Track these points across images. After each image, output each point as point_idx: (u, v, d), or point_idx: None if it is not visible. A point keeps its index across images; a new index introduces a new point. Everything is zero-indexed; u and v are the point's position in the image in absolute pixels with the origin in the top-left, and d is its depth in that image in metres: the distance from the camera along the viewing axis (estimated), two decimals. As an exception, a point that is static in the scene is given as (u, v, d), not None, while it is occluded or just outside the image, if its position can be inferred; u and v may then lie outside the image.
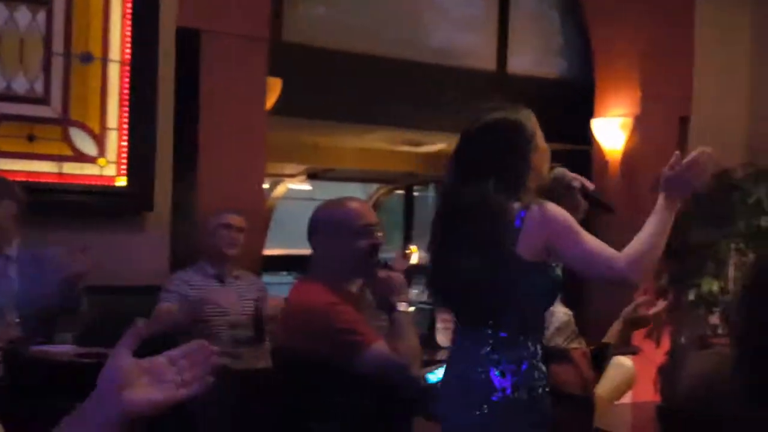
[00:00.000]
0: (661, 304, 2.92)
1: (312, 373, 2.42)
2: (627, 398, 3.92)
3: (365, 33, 5.52)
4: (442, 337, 3.65)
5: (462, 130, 2.25)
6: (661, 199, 2.19)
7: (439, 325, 3.71)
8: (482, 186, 2.07)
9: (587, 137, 6.03)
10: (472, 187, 2.09)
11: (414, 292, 4.96)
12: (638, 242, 2.10)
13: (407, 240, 8.48)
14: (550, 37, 6.32)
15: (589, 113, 6.03)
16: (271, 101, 4.72)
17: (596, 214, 2.40)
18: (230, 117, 4.44)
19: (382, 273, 2.51)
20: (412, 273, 6.46)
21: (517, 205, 2.07)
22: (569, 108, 6.17)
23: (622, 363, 3.25)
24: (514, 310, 2.11)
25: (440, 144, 6.59)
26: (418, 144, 6.53)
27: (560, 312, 2.96)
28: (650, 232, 2.14)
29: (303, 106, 5.17)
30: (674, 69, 5.94)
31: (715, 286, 5.17)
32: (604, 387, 3.04)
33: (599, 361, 3.06)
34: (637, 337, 5.72)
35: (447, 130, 6.03)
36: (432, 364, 2.88)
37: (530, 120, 2.23)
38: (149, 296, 3.67)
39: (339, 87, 5.32)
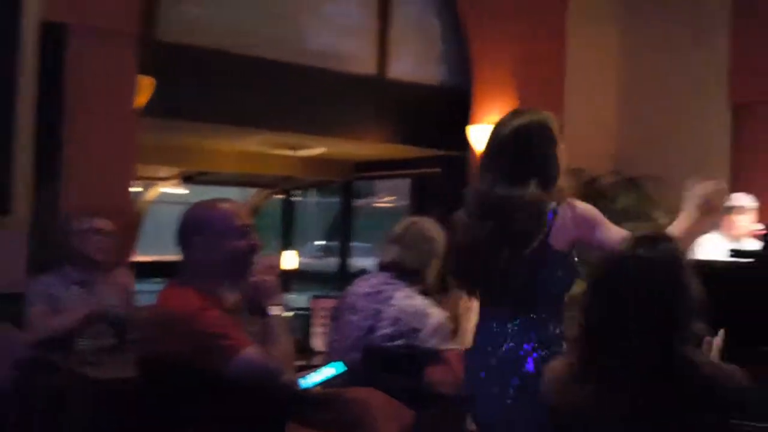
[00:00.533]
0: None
1: (180, 381, 2.31)
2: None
3: (244, 34, 5.41)
4: (318, 342, 3.58)
5: (493, 132, 2.38)
6: (690, 216, 2.36)
7: (315, 330, 3.65)
8: (520, 187, 2.24)
9: (464, 143, 6.13)
10: (509, 188, 2.25)
11: (291, 297, 4.89)
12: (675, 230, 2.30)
13: (286, 245, 8.39)
14: (430, 44, 6.39)
15: (467, 120, 6.13)
16: (143, 100, 4.54)
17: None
18: (97, 115, 4.24)
19: (254, 276, 2.43)
20: (290, 278, 6.38)
21: (551, 204, 2.25)
22: (447, 114, 6.25)
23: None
24: (543, 294, 2.29)
25: (320, 148, 6.54)
26: (297, 147, 6.46)
27: (435, 314, 2.97)
28: (674, 230, 2.30)
29: (177, 107, 5.01)
30: (547, 80, 6.12)
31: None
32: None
33: None
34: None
35: (327, 134, 5.99)
36: (308, 369, 2.82)
37: (554, 121, 2.38)
38: (4, 305, 3.44)
39: (216, 88, 5.18)
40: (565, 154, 2.34)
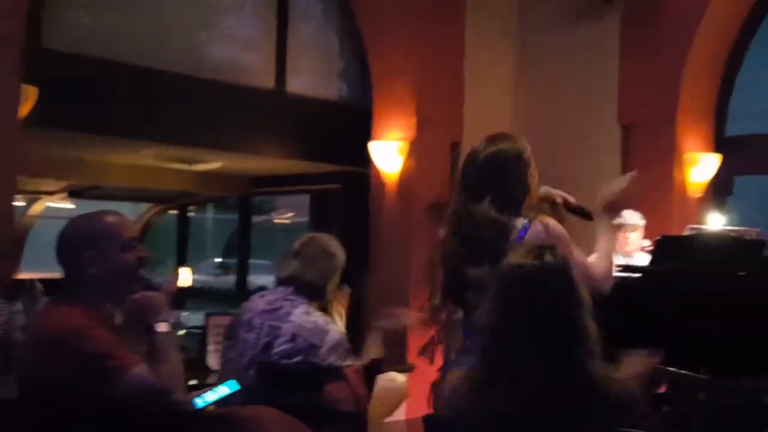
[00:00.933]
0: (413, 315, 3.01)
1: (65, 403, 2.18)
2: (401, 414, 3.94)
3: (137, 44, 5.24)
4: (213, 360, 3.47)
5: (468, 157, 2.55)
6: (605, 221, 2.53)
7: (210, 348, 3.53)
8: (488, 207, 2.41)
9: (366, 159, 6.11)
10: (479, 208, 2.41)
11: (186, 315, 4.74)
12: (603, 260, 2.45)
13: (180, 262, 8.16)
14: (330, 60, 6.36)
15: (368, 136, 6.12)
16: (26, 110, 4.32)
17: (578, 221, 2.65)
18: (-23, 124, 4.01)
19: (138, 293, 2.32)
20: (185, 295, 6.18)
21: (520, 221, 2.40)
22: (348, 130, 6.23)
23: (393, 378, 3.27)
24: None
25: (216, 162, 6.40)
26: (192, 162, 6.29)
27: (334, 331, 2.92)
28: (607, 250, 2.47)
29: (64, 118, 4.79)
30: (447, 96, 6.19)
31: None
32: (376, 403, 3.04)
33: (372, 377, 3.07)
34: (412, 354, 5.85)
35: (224, 148, 5.86)
36: (202, 388, 2.71)
37: (527, 148, 2.52)
38: None
39: (106, 99, 4.99)
40: (535, 178, 2.50)
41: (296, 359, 2.89)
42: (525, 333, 1.66)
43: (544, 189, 2.65)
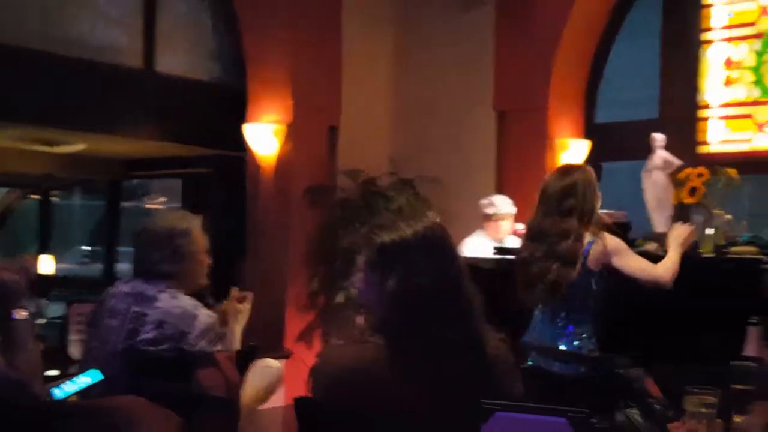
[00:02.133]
0: (249, 296, 3.06)
1: None
2: (279, 401, 3.84)
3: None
4: (75, 350, 3.27)
5: (545, 183, 3.22)
6: (676, 252, 3.20)
7: (72, 337, 3.32)
8: (566, 221, 3.12)
9: (241, 143, 5.96)
10: (558, 221, 3.13)
11: (48, 304, 4.46)
12: (668, 263, 3.16)
13: (43, 250, 7.72)
14: (203, 40, 6.16)
15: (243, 119, 5.96)
16: None
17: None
18: None
19: None
20: (49, 284, 5.83)
21: (587, 235, 3.11)
22: (222, 113, 6.05)
23: (268, 364, 3.17)
24: (581, 300, 3.12)
25: (80, 144, 6.07)
26: (54, 143, 5.93)
27: (204, 315, 2.80)
28: (674, 260, 3.16)
29: None
30: (325, 80, 6.10)
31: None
32: (249, 389, 2.95)
33: (247, 363, 2.98)
34: (290, 340, 5.77)
35: (88, 129, 5.57)
36: (62, 378, 2.54)
37: (593, 175, 3.19)
38: None
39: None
40: (599, 202, 3.17)
41: (164, 346, 2.76)
42: (435, 305, 1.64)
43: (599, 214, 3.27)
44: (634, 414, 1.39)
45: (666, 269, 3.13)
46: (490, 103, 6.15)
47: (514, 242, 5.02)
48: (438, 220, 1.96)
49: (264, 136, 5.87)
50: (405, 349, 1.63)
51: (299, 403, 1.83)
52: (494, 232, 5.12)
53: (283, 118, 5.90)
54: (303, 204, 5.87)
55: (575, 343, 3.10)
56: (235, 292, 3.08)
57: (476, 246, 5.00)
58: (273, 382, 3.32)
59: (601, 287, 3.16)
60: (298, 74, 5.93)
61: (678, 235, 3.25)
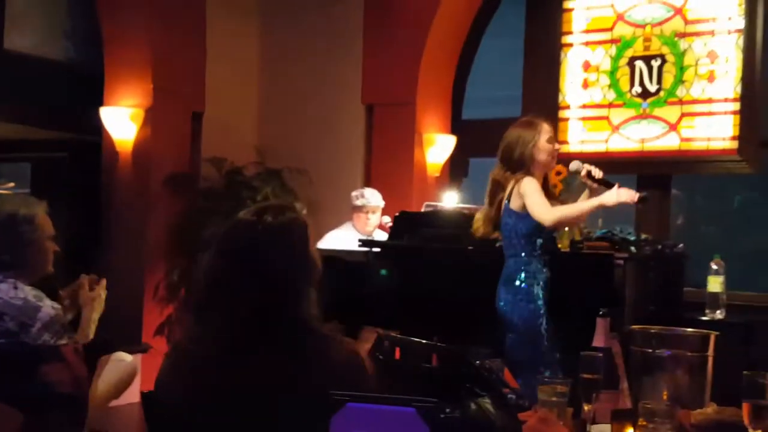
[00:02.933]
0: (102, 282, 2.93)
1: None
2: (134, 397, 3.68)
3: None
4: None
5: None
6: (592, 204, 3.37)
7: None
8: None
9: (97, 127, 5.68)
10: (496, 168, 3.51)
11: None
12: (570, 207, 3.43)
13: None
14: (56, 18, 5.83)
15: (99, 102, 5.68)
16: None
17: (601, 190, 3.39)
18: None
19: None
20: None
21: (513, 181, 3.41)
22: (77, 94, 5.76)
23: (121, 358, 3.05)
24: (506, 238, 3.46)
25: None
26: None
27: (47, 306, 2.64)
28: (579, 206, 3.41)
29: None
30: (187, 64, 5.90)
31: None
32: (100, 385, 2.81)
33: (99, 357, 2.84)
34: (147, 334, 5.55)
35: None
36: None
37: (533, 129, 3.50)
38: None
39: None
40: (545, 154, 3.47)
41: (2, 340, 2.59)
42: (253, 283, 1.58)
43: (575, 164, 3.47)
44: (486, 403, 1.37)
45: (552, 212, 3.28)
46: (359, 97, 6.13)
47: (381, 236, 5.03)
48: (305, 212, 1.91)
49: (121, 121, 5.61)
50: (221, 336, 1.58)
51: (145, 398, 1.74)
52: (363, 224, 5.14)
53: (142, 101, 5.66)
54: (163, 192, 5.66)
55: None
56: (85, 278, 2.94)
57: (342, 238, 4.98)
58: (125, 378, 3.19)
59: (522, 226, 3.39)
60: (158, 56, 5.70)
61: (615, 194, 3.28)
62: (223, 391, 1.53)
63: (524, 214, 3.35)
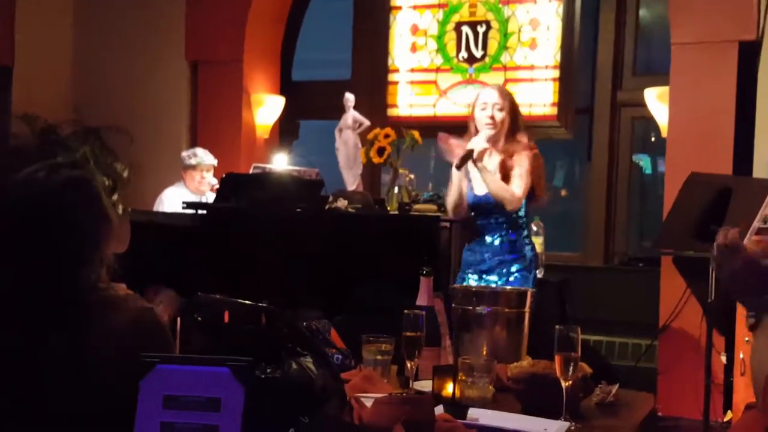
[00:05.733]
0: None
1: None
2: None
3: None
4: None
5: None
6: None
7: None
8: None
9: None
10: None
11: None
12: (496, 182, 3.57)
13: None
14: None
15: None
16: None
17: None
18: None
19: None
20: None
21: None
22: None
23: None
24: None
25: None
26: None
27: None
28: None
29: None
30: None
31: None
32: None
33: None
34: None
35: None
36: None
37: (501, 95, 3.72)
38: None
39: None
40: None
41: None
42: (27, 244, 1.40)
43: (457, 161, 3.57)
44: (308, 362, 1.34)
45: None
46: (183, 53, 5.88)
47: (211, 197, 4.90)
48: (126, 173, 1.75)
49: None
50: None
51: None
52: (195, 184, 5.03)
53: None
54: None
55: None
56: None
57: (176, 197, 4.85)
58: None
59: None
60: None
61: (474, 145, 3.57)
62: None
63: None
